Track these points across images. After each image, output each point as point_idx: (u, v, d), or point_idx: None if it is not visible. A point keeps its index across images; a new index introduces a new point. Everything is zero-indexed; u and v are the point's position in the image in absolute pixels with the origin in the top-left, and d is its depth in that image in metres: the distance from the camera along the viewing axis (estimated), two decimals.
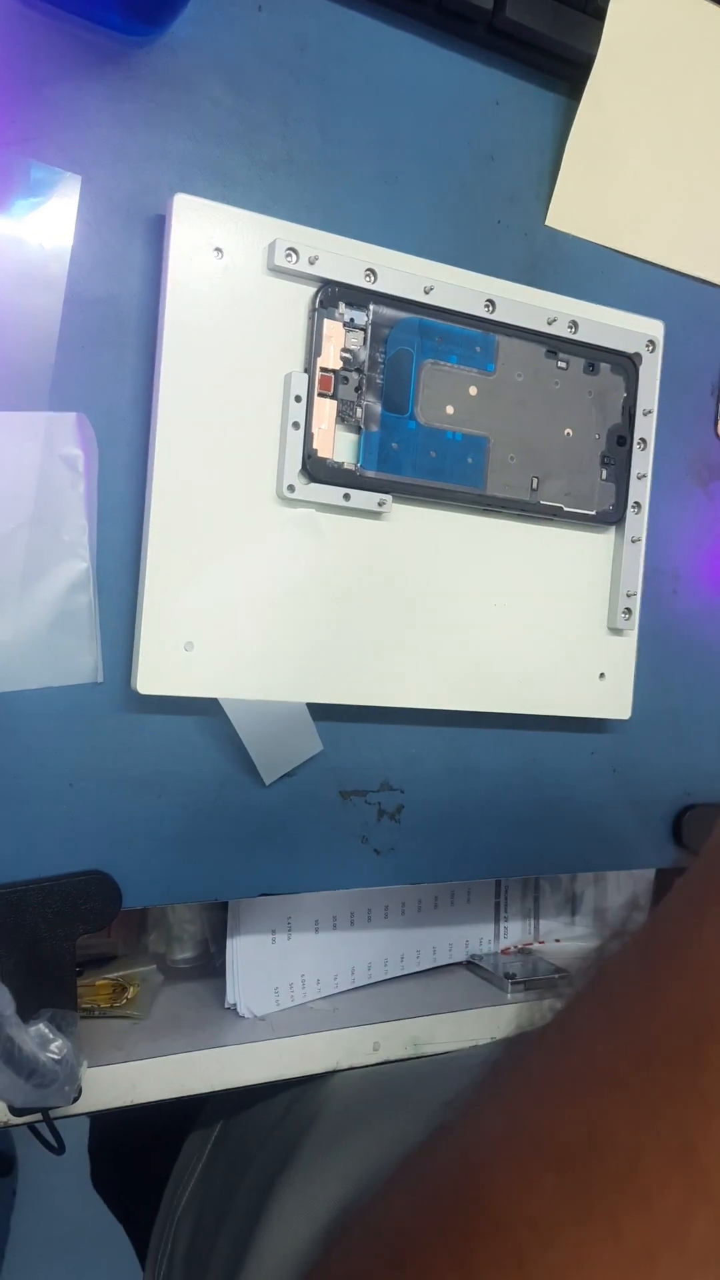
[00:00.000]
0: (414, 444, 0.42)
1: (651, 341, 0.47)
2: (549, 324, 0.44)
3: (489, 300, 0.42)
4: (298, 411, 0.39)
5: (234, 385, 0.39)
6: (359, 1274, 0.22)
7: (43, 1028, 0.34)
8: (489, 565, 0.44)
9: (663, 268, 0.49)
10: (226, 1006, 0.47)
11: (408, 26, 0.43)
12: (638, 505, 0.47)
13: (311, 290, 0.40)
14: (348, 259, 0.40)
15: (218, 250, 0.38)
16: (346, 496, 0.41)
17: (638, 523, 0.47)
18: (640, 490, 0.47)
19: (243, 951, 0.47)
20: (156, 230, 0.38)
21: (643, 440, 0.47)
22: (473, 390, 0.43)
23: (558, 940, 0.59)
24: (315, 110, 0.41)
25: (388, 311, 0.41)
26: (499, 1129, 0.21)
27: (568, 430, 0.45)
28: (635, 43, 0.46)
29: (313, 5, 0.41)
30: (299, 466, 0.40)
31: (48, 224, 0.37)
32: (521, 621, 0.45)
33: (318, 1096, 0.45)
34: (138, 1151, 0.60)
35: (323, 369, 0.40)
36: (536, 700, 0.46)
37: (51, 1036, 0.33)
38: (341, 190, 0.42)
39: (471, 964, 0.55)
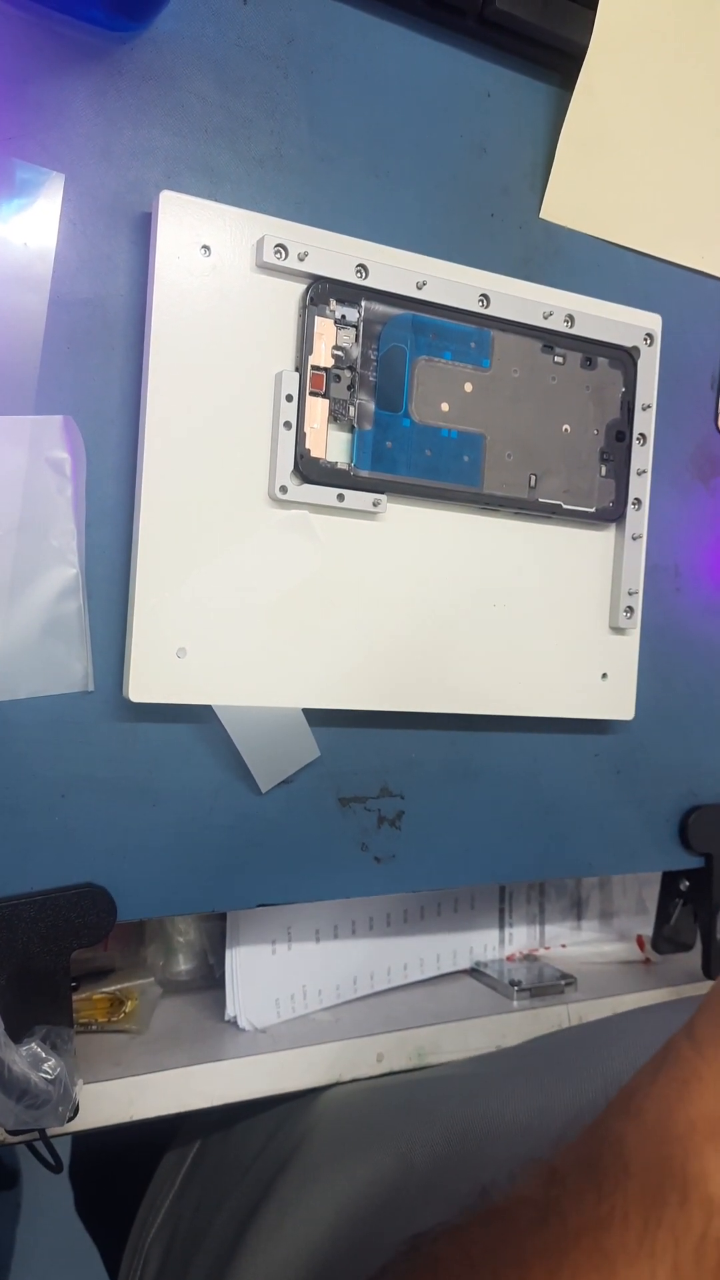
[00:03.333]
0: (409, 442, 0.41)
1: (649, 335, 0.46)
2: (545, 318, 0.43)
3: (483, 295, 0.42)
4: (289, 411, 0.39)
5: (224, 385, 0.38)
6: None
7: (35, 1047, 0.33)
8: (487, 565, 0.44)
9: (660, 259, 0.49)
10: (226, 1019, 0.46)
11: (396, 18, 0.42)
12: (638, 501, 0.46)
13: (302, 287, 0.39)
14: (338, 255, 0.39)
15: (205, 248, 0.37)
16: (340, 497, 0.40)
17: (638, 519, 0.46)
18: (640, 486, 0.46)
19: (242, 963, 0.46)
20: (143, 228, 0.37)
21: (642, 435, 0.46)
22: (468, 387, 0.42)
23: (564, 945, 0.58)
24: (303, 104, 0.40)
25: (380, 308, 0.40)
26: None
27: (565, 426, 0.44)
28: (628, 31, 0.45)
29: None
30: (291, 467, 0.39)
31: (31, 224, 0.36)
32: (521, 622, 0.45)
33: (296, 1131, 0.44)
34: (113, 1174, 0.59)
35: (314, 367, 0.39)
36: (537, 702, 0.45)
37: (44, 1056, 0.33)
38: (331, 185, 0.41)
39: (476, 971, 0.54)
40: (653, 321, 0.46)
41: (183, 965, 0.50)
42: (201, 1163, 0.50)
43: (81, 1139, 0.65)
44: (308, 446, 0.39)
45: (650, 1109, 0.27)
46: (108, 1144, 0.60)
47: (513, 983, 0.52)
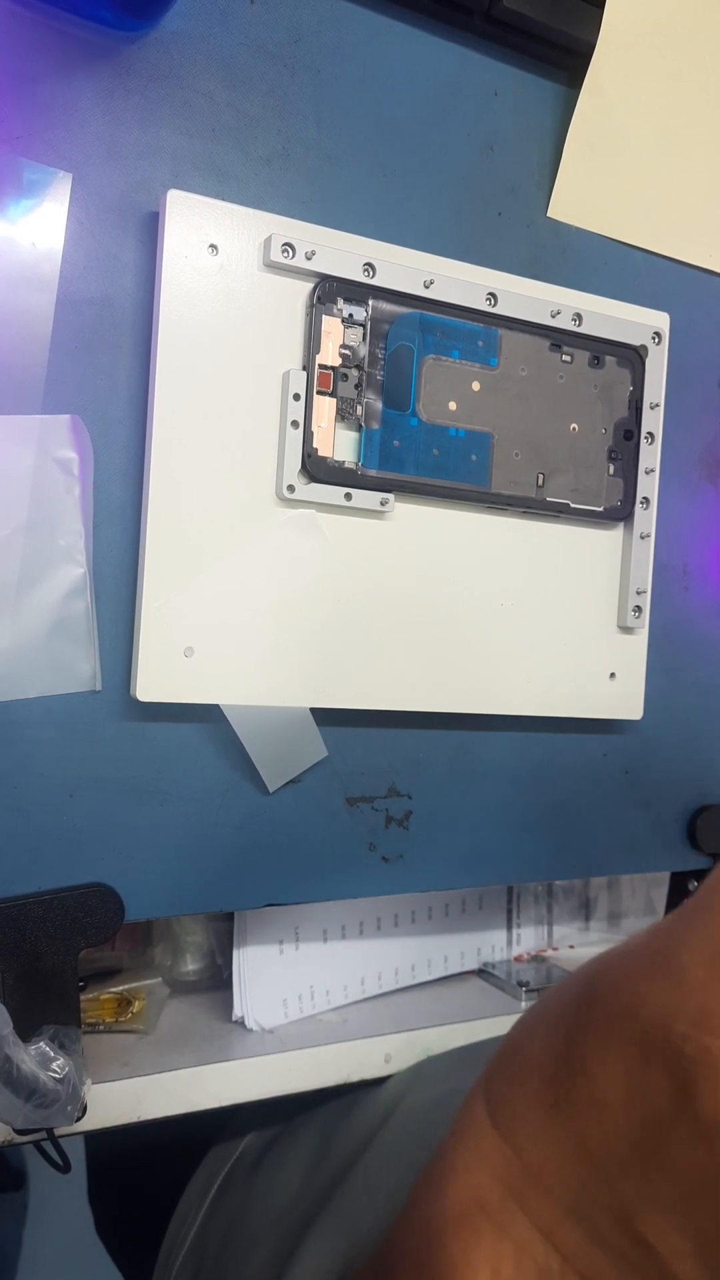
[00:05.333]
0: (416, 441, 0.41)
1: (657, 333, 0.46)
2: (552, 317, 0.43)
3: (491, 294, 0.42)
4: (296, 410, 0.38)
5: (231, 384, 0.38)
6: None
7: (44, 1046, 0.33)
8: (495, 564, 0.44)
9: (668, 258, 0.49)
10: (234, 1019, 0.46)
11: (403, 17, 0.42)
12: (646, 501, 0.46)
13: (309, 286, 0.39)
14: (345, 254, 0.39)
15: (212, 247, 0.37)
16: (348, 496, 0.40)
17: (646, 518, 0.46)
18: (648, 485, 0.46)
19: (250, 963, 0.46)
20: (150, 228, 0.37)
21: (650, 434, 0.46)
22: (475, 386, 0.42)
23: (572, 946, 0.58)
24: (310, 103, 0.40)
25: (387, 306, 0.40)
26: None
27: (573, 425, 0.44)
28: (636, 29, 0.45)
29: None
30: (299, 466, 0.39)
31: (39, 223, 0.36)
32: (529, 621, 0.44)
33: (329, 1182, 0.43)
34: (137, 1202, 0.59)
35: (321, 366, 0.39)
36: (545, 701, 0.45)
37: (53, 1055, 0.33)
38: (338, 184, 0.41)
39: (484, 972, 0.54)
40: (661, 320, 0.46)
41: (190, 965, 0.50)
42: (223, 1197, 0.49)
43: (98, 1165, 0.65)
44: (315, 445, 0.39)
45: (418, 1203, 0.27)
46: (127, 1166, 0.60)
47: (520, 983, 0.52)
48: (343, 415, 0.40)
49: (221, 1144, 0.53)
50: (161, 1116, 0.41)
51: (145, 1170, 0.58)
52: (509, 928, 0.56)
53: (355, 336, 0.40)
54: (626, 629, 0.47)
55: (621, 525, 0.46)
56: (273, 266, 0.38)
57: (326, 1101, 0.48)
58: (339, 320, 0.39)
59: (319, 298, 0.39)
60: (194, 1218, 0.50)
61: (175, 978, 0.49)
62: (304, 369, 0.39)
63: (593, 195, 0.46)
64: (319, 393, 0.39)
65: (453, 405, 0.42)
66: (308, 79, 0.40)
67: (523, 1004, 0.50)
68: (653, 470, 0.46)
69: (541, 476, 0.44)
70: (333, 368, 0.39)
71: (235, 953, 0.46)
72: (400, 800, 0.44)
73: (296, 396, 0.38)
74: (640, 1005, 0.22)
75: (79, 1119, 0.36)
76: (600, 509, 0.45)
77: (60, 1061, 0.33)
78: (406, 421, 0.41)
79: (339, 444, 0.40)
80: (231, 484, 0.38)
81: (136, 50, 0.37)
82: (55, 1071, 0.32)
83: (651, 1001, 0.22)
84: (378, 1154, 0.42)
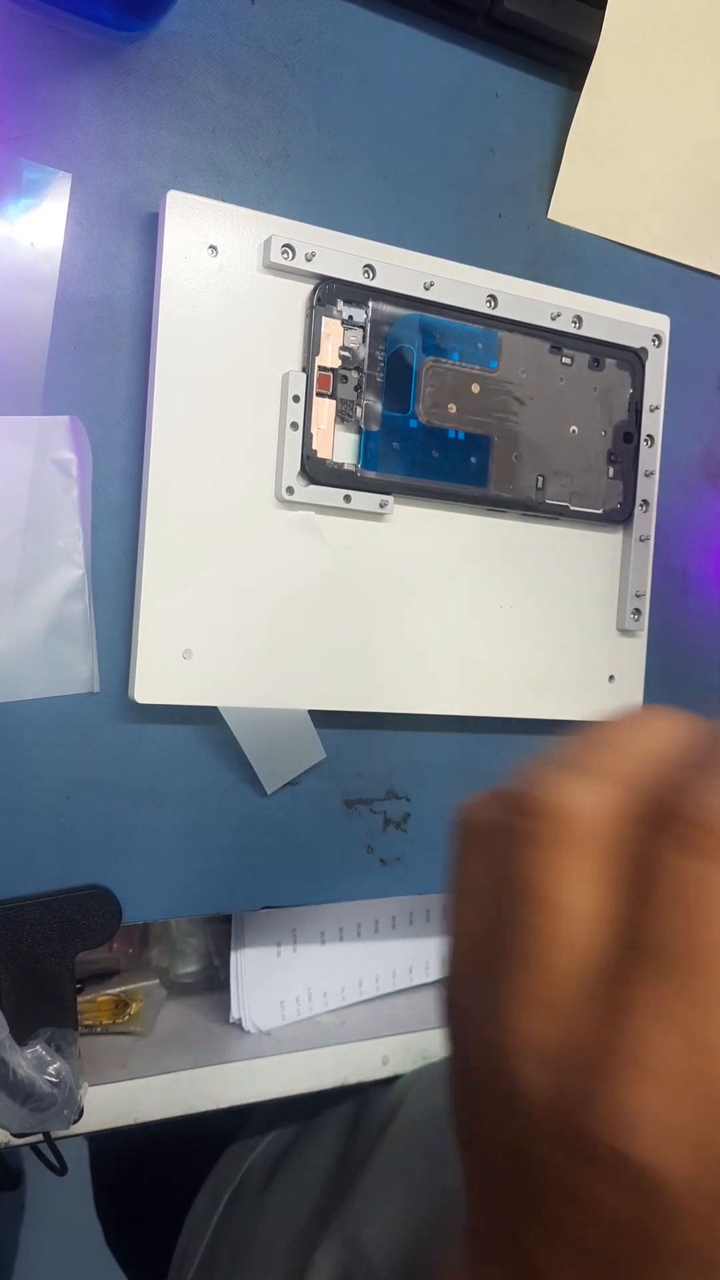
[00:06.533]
0: (416, 443, 0.41)
1: (657, 336, 0.46)
2: (553, 319, 0.43)
3: (491, 295, 0.42)
4: (296, 411, 0.38)
5: (230, 386, 0.38)
6: None
7: (40, 1049, 0.33)
8: (494, 567, 0.43)
9: (669, 260, 0.48)
10: (231, 1021, 0.46)
11: (404, 18, 0.42)
12: (645, 503, 0.46)
13: (309, 288, 0.39)
14: (345, 255, 0.39)
15: (212, 248, 0.37)
16: (347, 498, 0.40)
17: (646, 521, 0.46)
18: (648, 488, 0.46)
19: (247, 965, 0.46)
20: (150, 228, 0.37)
21: (650, 437, 0.46)
22: (475, 388, 0.42)
23: None
24: (311, 104, 0.40)
25: (387, 308, 0.40)
26: None
27: (573, 428, 0.44)
28: (636, 31, 0.45)
29: None
30: (298, 468, 0.39)
31: (38, 224, 0.36)
32: (528, 624, 0.44)
33: (333, 1198, 0.42)
34: (144, 1215, 0.59)
35: (321, 368, 0.39)
36: (544, 704, 0.45)
37: (49, 1058, 0.32)
38: (339, 185, 0.41)
39: None
40: (661, 323, 0.46)
41: (187, 967, 0.49)
42: (236, 1208, 0.49)
43: (103, 1177, 0.65)
44: (314, 447, 0.39)
45: None
46: (132, 1178, 0.60)
47: None
48: (342, 417, 0.40)
49: (226, 1157, 0.53)
50: (158, 1119, 0.41)
51: (150, 1182, 0.58)
52: None
53: (355, 338, 0.40)
54: (626, 632, 0.47)
55: (621, 528, 0.46)
56: (272, 268, 0.38)
57: (328, 1108, 0.47)
58: (339, 322, 0.39)
59: (319, 299, 0.39)
60: (204, 1231, 0.50)
61: (172, 979, 0.49)
62: (303, 370, 0.39)
63: (593, 197, 0.46)
64: (318, 394, 0.39)
65: (452, 407, 0.41)
66: (308, 80, 0.40)
67: None
68: (652, 473, 0.46)
69: (541, 479, 0.44)
70: (332, 369, 0.39)
71: (233, 955, 0.46)
72: (398, 803, 0.44)
73: (296, 398, 0.38)
74: None
75: (75, 1122, 0.36)
76: (600, 511, 0.45)
77: (57, 1065, 0.32)
78: (406, 423, 0.41)
79: (338, 446, 0.40)
80: (230, 486, 0.38)
81: (136, 50, 0.37)
82: (51, 1075, 0.32)
83: None
84: (377, 1170, 0.42)
